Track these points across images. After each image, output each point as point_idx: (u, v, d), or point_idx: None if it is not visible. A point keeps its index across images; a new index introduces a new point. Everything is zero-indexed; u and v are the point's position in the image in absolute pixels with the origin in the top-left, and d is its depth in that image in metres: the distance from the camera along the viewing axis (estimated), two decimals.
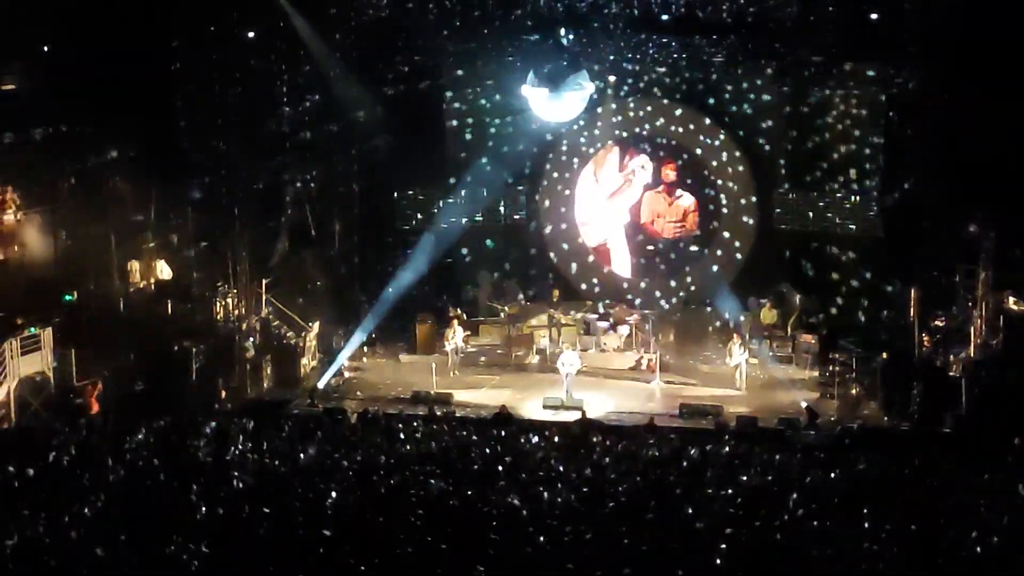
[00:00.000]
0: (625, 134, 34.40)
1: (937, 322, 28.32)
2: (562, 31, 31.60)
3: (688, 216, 34.25)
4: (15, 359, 26.12)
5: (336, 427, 23.56)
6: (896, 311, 30.79)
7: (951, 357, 27.55)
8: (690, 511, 16.75)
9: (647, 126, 34.19)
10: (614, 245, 34.89)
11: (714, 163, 33.73)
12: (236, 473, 18.63)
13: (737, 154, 33.45)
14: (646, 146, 34.30)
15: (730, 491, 18.39)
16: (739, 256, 33.83)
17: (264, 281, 31.43)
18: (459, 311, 32.97)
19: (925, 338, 28.20)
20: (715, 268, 34.00)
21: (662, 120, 34.01)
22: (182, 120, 30.31)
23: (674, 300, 33.82)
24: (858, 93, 31.48)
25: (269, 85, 31.33)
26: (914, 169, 28.88)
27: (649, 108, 34.05)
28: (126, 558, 14.36)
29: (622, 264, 34.86)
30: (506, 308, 33.23)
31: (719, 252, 34.00)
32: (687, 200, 34.15)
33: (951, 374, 27.03)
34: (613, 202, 34.67)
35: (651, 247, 34.64)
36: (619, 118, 34.26)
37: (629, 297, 34.01)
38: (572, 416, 26.34)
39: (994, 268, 28.32)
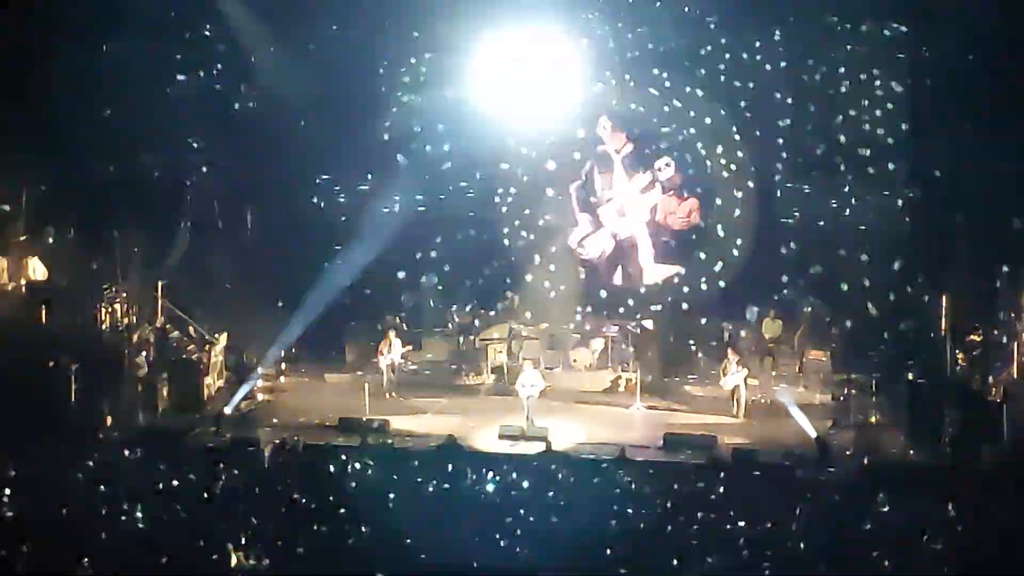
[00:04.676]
0: (597, 109, 34.27)
1: (974, 336, 28.44)
2: None
3: (676, 211, 34.24)
4: None
5: (248, 461, 23.43)
6: (925, 323, 30.87)
7: (990, 378, 27.65)
8: (675, 563, 16.73)
9: (623, 100, 34.05)
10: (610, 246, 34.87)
11: (705, 144, 33.63)
12: (124, 517, 18.53)
13: (733, 134, 33.39)
14: (623, 122, 34.21)
15: (724, 539, 18.38)
16: (735, 257, 33.79)
17: (160, 283, 31.20)
18: (398, 320, 32.83)
19: (959, 355, 28.29)
20: (705, 273, 34.01)
21: (641, 93, 33.89)
22: (61, 87, 30.05)
23: (659, 308, 33.73)
24: (880, 59, 31.48)
25: (168, 44, 31.10)
26: (946, 152, 28.91)
27: (627, 78, 33.93)
28: None
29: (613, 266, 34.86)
30: (456, 317, 33.09)
31: (710, 252, 33.94)
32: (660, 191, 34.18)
33: (990, 399, 27.12)
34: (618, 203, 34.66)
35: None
36: (592, 90, 34.14)
37: (605, 299, 33.94)
38: (534, 448, 26.29)
39: None
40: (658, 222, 34.31)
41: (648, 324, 32.88)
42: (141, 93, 30.29)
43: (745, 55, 32.87)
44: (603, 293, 34.38)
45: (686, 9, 32.64)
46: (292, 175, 34.75)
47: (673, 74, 33.43)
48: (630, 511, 20.16)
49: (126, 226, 29.66)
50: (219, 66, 32.63)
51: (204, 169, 33.22)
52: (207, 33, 32.21)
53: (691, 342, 32.90)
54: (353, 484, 21.48)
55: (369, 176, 34.72)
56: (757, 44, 32.71)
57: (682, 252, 34.34)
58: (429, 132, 34.20)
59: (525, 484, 22.07)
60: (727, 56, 33.01)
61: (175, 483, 21.02)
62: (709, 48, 33.08)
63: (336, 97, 33.28)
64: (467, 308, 33.69)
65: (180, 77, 31.92)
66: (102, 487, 20.45)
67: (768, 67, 32.79)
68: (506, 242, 34.88)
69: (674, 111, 33.60)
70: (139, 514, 18.77)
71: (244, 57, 32.44)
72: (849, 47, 31.70)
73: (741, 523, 19.30)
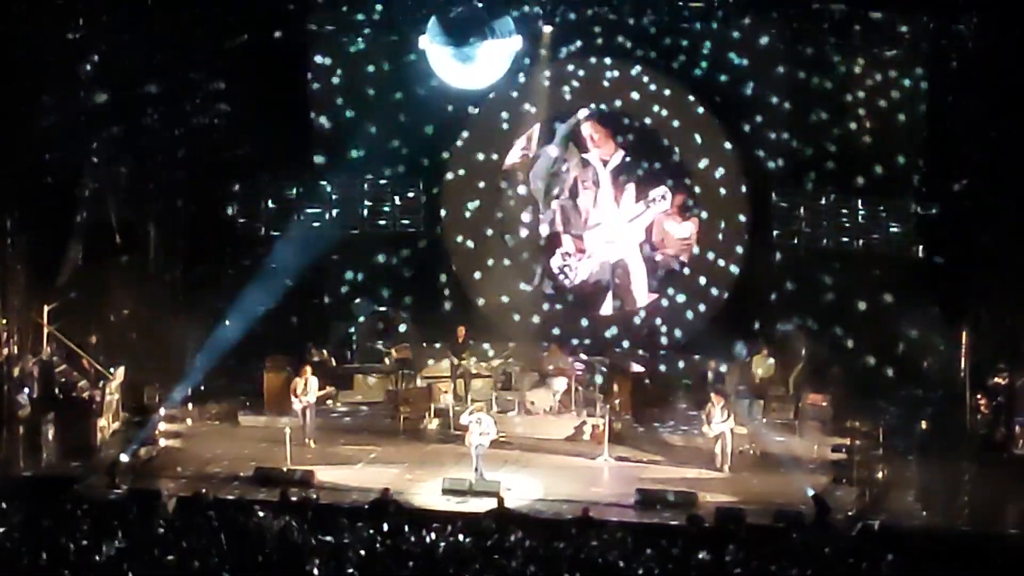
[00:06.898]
0: (565, 108, 34.43)
1: (998, 379, 28.57)
2: None
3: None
4: None
5: (148, 516, 23.34)
6: (940, 362, 30.99)
7: (1017, 428, 27.75)
8: None
9: (596, 99, 34.26)
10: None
11: (688, 154, 33.85)
12: None
13: (723, 142, 33.58)
14: (594, 123, 34.41)
15: None
16: (724, 285, 33.95)
17: (47, 308, 31.11)
18: (325, 353, 32.81)
19: (981, 400, 28.39)
20: (689, 302, 34.15)
21: (616, 91, 34.11)
22: None
23: (634, 342, 33.87)
24: (892, 56, 31.72)
25: (55, 30, 31.04)
26: (968, 163, 29.09)
27: (599, 74, 34.12)
28: None
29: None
30: (392, 351, 33.10)
31: (695, 279, 34.09)
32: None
33: (1016, 451, 27.22)
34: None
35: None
36: (557, 86, 34.28)
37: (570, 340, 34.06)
38: (484, 504, 26.30)
39: None
40: (650, 244, 34.50)
41: (620, 361, 32.94)
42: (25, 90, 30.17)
43: (749, 62, 33.20)
44: (570, 325, 34.47)
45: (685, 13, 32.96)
46: (204, 180, 34.70)
47: (670, 80, 33.71)
48: None
49: (7, 239, 29.51)
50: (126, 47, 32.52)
51: (100, 172, 33.10)
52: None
53: (669, 383, 32.95)
54: (272, 546, 21.45)
55: (295, 183, 34.72)
56: (761, 50, 33.06)
57: (667, 279, 34.51)
58: (366, 130, 34.27)
59: (472, 547, 22.11)
60: (729, 61, 33.35)
61: (61, 543, 20.95)
62: (710, 52, 33.42)
63: (257, 91, 33.29)
64: (406, 340, 33.66)
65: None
66: None
67: (763, 62, 33.07)
68: (455, 263, 34.99)
69: (666, 123, 33.86)
70: None
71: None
72: (863, 55, 32.03)
73: None
